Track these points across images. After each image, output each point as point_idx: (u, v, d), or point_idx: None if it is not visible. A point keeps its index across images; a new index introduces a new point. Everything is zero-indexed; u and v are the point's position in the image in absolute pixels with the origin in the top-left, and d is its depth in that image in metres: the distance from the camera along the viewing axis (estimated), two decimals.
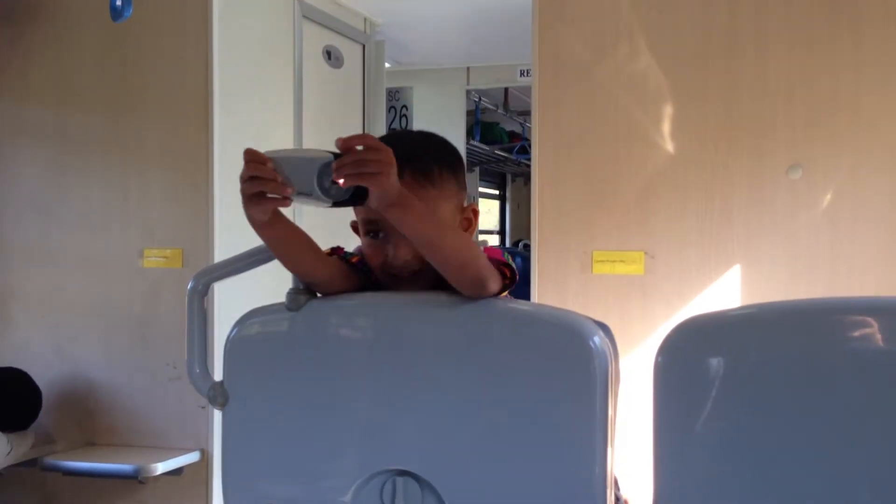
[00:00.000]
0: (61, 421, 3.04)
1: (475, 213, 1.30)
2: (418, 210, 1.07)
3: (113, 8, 2.59)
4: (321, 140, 3.74)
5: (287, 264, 1.19)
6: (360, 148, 1.03)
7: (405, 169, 1.14)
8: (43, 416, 2.95)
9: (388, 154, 1.04)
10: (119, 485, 2.95)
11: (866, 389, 0.92)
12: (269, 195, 1.08)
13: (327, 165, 1.02)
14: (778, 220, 2.55)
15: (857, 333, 0.93)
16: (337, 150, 1.03)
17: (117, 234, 3.02)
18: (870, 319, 0.93)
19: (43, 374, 2.98)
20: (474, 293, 1.10)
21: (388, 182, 1.03)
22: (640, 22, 2.66)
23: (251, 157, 1.08)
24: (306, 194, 1.04)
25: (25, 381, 2.91)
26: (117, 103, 3.02)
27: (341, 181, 1.02)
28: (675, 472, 0.97)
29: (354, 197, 1.04)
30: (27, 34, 3.11)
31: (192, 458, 2.89)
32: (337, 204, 1.05)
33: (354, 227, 1.31)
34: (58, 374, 3.04)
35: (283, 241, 1.19)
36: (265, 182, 1.07)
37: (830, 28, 2.52)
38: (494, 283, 1.11)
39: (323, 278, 1.18)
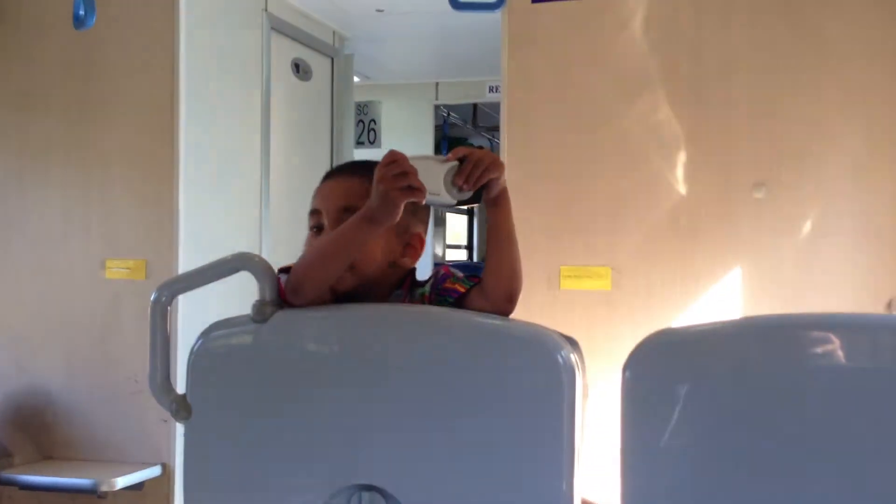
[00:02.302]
0: (19, 434, 2.98)
1: (420, 241, 1.35)
2: (510, 207, 1.24)
3: (76, 17, 2.56)
4: (288, 152, 3.72)
5: (339, 267, 1.20)
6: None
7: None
8: None
9: (499, 159, 1.21)
10: (78, 499, 2.89)
11: (830, 404, 0.92)
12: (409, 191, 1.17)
13: (452, 169, 1.19)
14: (742, 238, 2.58)
15: (820, 349, 0.94)
16: (450, 158, 1.20)
17: (79, 245, 2.97)
18: (833, 335, 0.94)
19: (0, 386, 2.92)
20: (502, 307, 1.20)
21: (503, 180, 1.21)
22: (605, 42, 2.68)
23: (397, 157, 1.16)
24: (434, 193, 1.18)
25: None
26: (81, 112, 2.99)
27: (463, 184, 1.18)
28: (642, 487, 0.97)
29: (474, 196, 1.20)
30: None
31: (153, 472, 2.84)
32: (460, 203, 1.21)
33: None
34: (16, 387, 2.98)
35: (366, 244, 1.23)
36: (413, 179, 1.15)
37: (794, 48, 2.56)
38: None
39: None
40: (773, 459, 0.93)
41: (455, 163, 1.18)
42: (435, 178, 1.17)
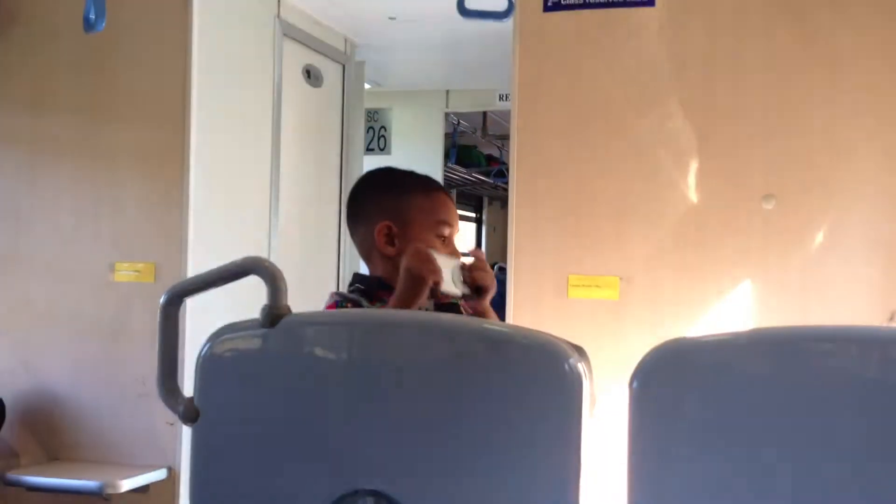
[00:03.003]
0: (25, 435, 2.99)
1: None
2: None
3: (86, 20, 2.57)
4: (298, 157, 3.73)
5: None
6: (471, 260, 1.61)
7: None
8: (6, 430, 2.90)
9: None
10: (83, 501, 2.89)
11: (841, 417, 0.92)
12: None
13: (457, 267, 1.56)
14: (751, 249, 2.57)
15: (830, 361, 0.94)
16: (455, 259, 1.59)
17: (88, 247, 2.98)
18: (843, 347, 0.94)
19: (8, 388, 2.93)
20: None
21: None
22: (616, 52, 2.68)
23: (430, 257, 1.52)
24: (446, 284, 1.53)
25: None
26: (92, 115, 3.00)
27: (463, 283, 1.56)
28: (649, 497, 0.97)
29: (476, 291, 1.57)
30: (2, 41, 3.08)
31: (158, 475, 2.85)
32: (466, 296, 1.56)
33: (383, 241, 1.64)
34: (23, 388, 2.99)
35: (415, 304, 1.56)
36: (439, 276, 1.51)
37: (806, 58, 2.55)
38: None
39: None
40: (785, 472, 0.92)
41: (459, 261, 1.57)
42: (447, 273, 1.53)
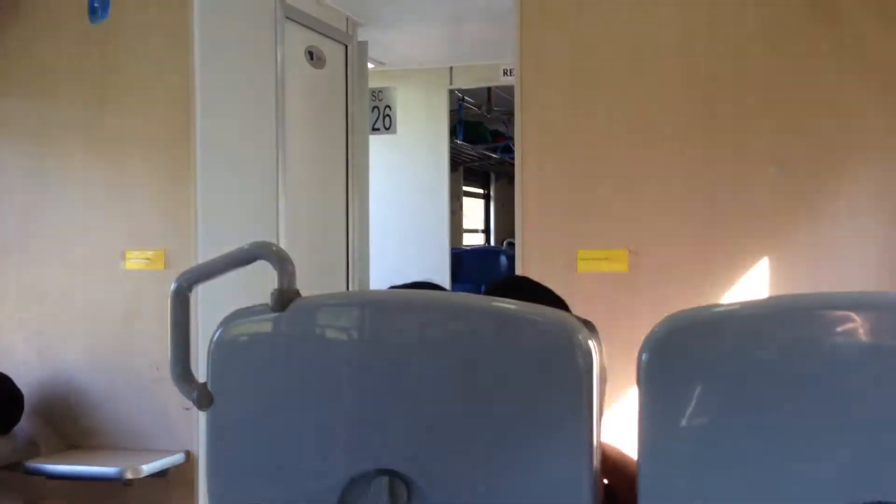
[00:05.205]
0: (44, 424, 3.02)
1: None
2: None
3: (91, 9, 2.58)
4: (304, 139, 3.73)
5: None
6: None
7: None
8: (25, 420, 2.93)
9: None
10: (104, 487, 2.93)
11: (854, 385, 0.92)
12: None
13: None
14: (760, 217, 2.56)
15: (842, 329, 0.94)
16: None
17: (99, 235, 3.00)
18: (854, 315, 0.93)
19: (25, 377, 2.96)
20: None
21: None
22: (620, 20, 2.66)
23: None
24: None
25: (7, 385, 2.88)
26: (98, 102, 3.01)
27: None
28: (660, 469, 0.97)
29: None
30: (6, 30, 3.08)
31: (176, 459, 2.88)
32: None
33: None
34: (40, 377, 3.02)
35: None
36: None
37: (810, 23, 2.53)
38: None
39: None
40: (796, 442, 0.92)
41: None
42: None
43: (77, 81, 3.03)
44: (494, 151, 7.76)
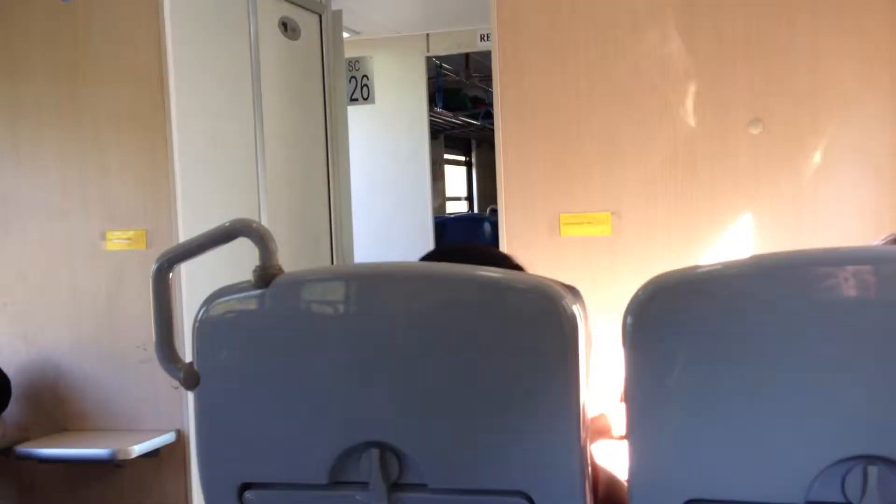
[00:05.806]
0: (32, 409, 3.01)
1: None
2: None
3: None
4: (282, 112, 3.70)
5: None
6: None
7: None
8: (13, 405, 2.92)
9: None
10: (96, 469, 2.93)
11: (836, 340, 0.93)
12: None
13: None
14: (741, 175, 2.57)
15: (823, 284, 0.94)
16: None
17: (78, 217, 2.97)
18: (835, 270, 0.94)
19: (10, 362, 2.95)
20: None
21: None
22: None
23: None
24: None
25: None
26: (70, 80, 2.96)
27: None
28: (649, 432, 0.98)
29: None
30: None
31: (167, 438, 2.88)
32: None
33: None
34: (26, 362, 3.00)
35: None
36: None
37: None
38: None
39: None
40: (782, 398, 0.93)
41: None
42: None
43: (47, 61, 2.98)
44: (476, 118, 7.73)
